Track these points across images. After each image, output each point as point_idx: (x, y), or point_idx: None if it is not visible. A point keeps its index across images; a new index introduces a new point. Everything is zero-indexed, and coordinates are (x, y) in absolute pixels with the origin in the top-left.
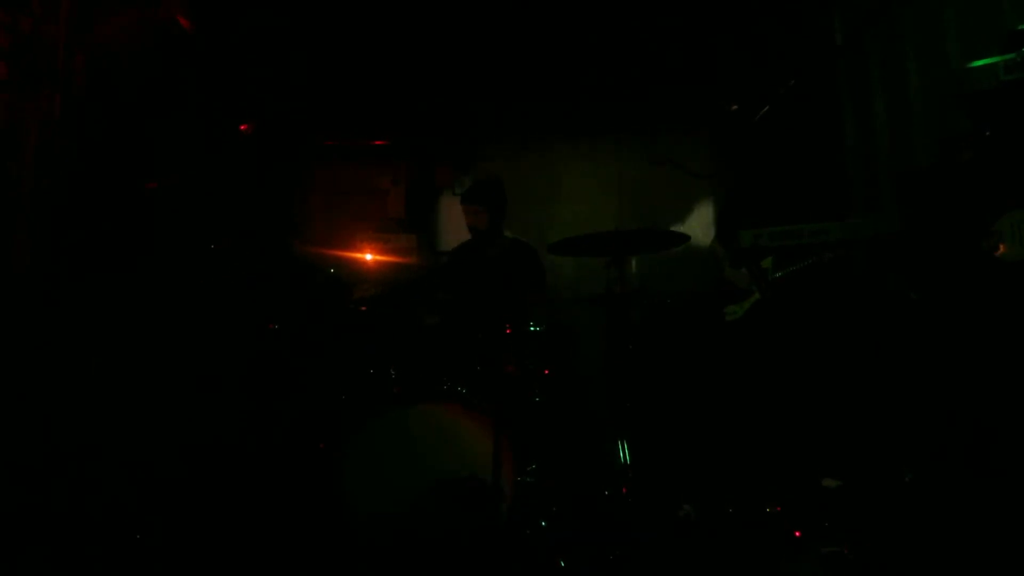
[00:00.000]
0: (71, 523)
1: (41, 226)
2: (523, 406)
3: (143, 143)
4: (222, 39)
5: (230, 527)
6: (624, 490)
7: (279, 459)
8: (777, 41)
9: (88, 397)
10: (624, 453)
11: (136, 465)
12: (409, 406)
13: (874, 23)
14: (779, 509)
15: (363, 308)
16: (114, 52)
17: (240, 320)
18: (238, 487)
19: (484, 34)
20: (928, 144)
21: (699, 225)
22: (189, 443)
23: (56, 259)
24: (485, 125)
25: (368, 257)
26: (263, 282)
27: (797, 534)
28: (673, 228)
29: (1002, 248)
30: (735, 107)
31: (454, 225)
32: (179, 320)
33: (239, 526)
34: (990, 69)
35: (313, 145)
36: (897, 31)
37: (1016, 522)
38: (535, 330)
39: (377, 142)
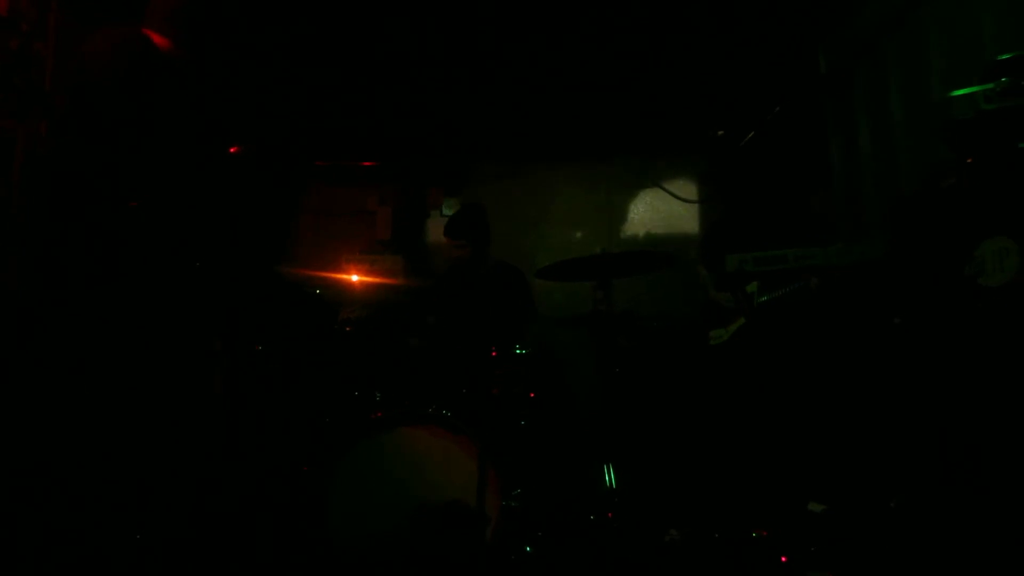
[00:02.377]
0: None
1: (31, 246)
2: (509, 430)
3: (127, 161)
4: (211, 58)
5: (212, 551)
6: (610, 515)
7: (262, 482)
8: (762, 69)
9: (78, 406)
10: (610, 477)
11: (113, 482)
12: (394, 429)
13: (859, 52)
14: (765, 534)
15: (348, 329)
16: (98, 70)
17: (225, 340)
18: (220, 510)
19: (475, 58)
20: (913, 171)
21: (688, 248)
22: (168, 461)
23: (45, 277)
24: (475, 147)
25: (354, 278)
26: (249, 302)
27: (783, 559)
28: (662, 251)
29: (984, 274)
30: (720, 133)
31: (442, 246)
32: (164, 335)
33: (221, 549)
34: (971, 98)
35: (302, 166)
36: (881, 60)
37: (1001, 547)
38: (521, 353)
39: (366, 163)
